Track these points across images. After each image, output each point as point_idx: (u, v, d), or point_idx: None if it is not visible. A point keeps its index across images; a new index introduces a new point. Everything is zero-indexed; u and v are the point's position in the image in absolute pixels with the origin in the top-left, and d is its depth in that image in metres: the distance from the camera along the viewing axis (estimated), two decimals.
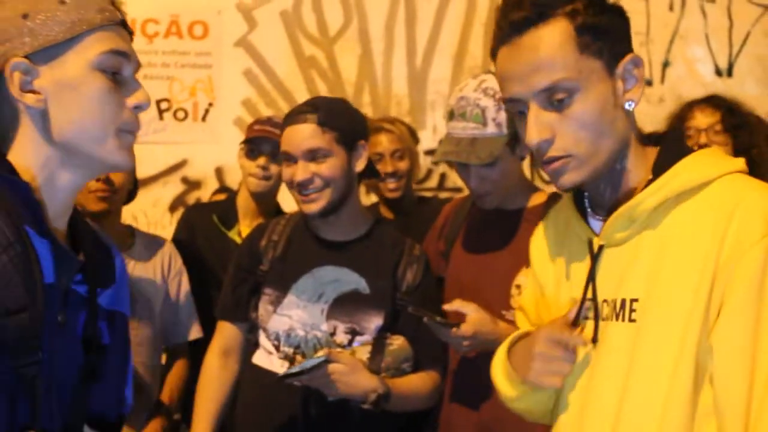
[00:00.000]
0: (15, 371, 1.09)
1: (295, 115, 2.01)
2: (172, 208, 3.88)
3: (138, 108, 1.20)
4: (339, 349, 1.96)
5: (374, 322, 2.00)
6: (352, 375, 1.89)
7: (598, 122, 1.21)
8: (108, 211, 2.38)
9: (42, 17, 1.14)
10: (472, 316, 1.84)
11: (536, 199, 2.10)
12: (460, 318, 1.86)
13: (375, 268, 2.04)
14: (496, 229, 2.10)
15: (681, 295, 1.19)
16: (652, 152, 1.28)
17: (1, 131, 1.17)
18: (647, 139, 1.31)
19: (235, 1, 3.89)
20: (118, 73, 1.18)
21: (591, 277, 1.28)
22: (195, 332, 2.59)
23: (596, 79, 1.20)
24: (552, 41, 1.19)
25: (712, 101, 2.66)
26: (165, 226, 3.80)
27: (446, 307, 1.87)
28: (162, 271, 2.54)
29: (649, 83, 3.80)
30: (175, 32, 3.87)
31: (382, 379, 1.94)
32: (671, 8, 3.78)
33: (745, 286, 1.14)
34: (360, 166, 2.04)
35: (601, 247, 1.27)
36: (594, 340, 1.27)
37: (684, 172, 1.22)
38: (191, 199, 3.87)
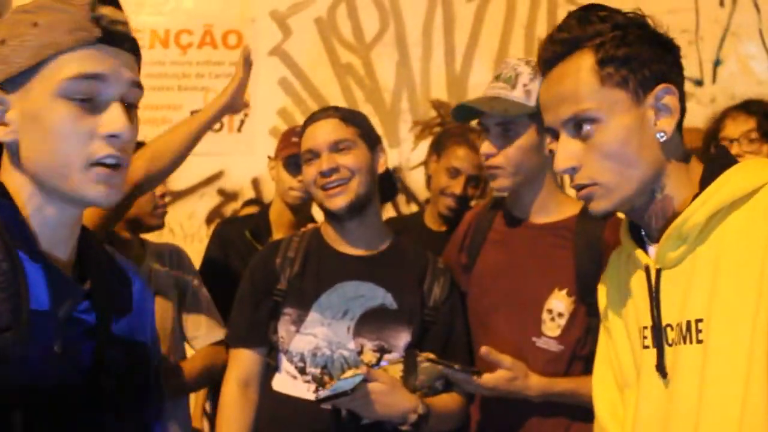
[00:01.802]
0: None
1: (315, 116, 2.02)
2: (209, 221, 3.85)
3: (113, 137, 1.07)
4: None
5: (403, 338, 1.91)
6: (392, 395, 1.79)
7: (622, 152, 1.21)
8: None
9: (15, 42, 1.06)
10: (500, 373, 1.78)
11: (566, 212, 1.95)
12: (490, 367, 1.79)
13: (400, 283, 1.95)
14: (523, 245, 1.96)
15: (742, 309, 1.16)
16: (698, 172, 1.26)
17: None
18: (692, 155, 1.29)
19: (269, 9, 3.85)
20: (91, 99, 1.07)
21: (653, 302, 1.26)
22: (220, 333, 2.49)
23: (620, 110, 1.21)
24: (575, 73, 1.23)
25: (746, 107, 2.52)
26: (201, 238, 3.76)
27: (482, 353, 1.79)
28: (175, 278, 2.46)
29: (700, 83, 3.62)
30: (209, 42, 3.85)
31: (421, 399, 1.84)
32: (722, 4, 3.58)
33: None
34: (380, 168, 2.01)
35: (659, 271, 1.25)
36: (658, 368, 1.24)
37: (729, 182, 1.20)
38: (228, 211, 3.82)
